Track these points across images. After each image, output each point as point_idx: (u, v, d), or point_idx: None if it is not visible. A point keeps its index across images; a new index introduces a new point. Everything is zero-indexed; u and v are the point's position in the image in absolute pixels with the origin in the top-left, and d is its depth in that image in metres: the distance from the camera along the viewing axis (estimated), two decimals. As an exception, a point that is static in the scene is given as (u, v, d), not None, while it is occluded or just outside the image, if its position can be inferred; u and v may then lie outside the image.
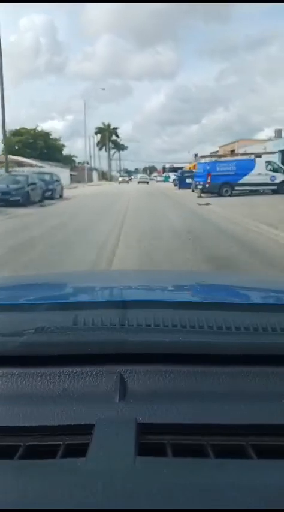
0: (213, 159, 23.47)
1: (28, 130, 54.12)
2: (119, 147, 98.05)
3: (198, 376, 0.64)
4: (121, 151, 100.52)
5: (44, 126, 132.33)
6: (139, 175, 75.68)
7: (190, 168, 44.40)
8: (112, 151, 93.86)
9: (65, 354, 0.66)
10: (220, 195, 19.37)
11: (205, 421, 0.56)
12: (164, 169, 79.57)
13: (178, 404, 0.59)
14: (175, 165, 67.74)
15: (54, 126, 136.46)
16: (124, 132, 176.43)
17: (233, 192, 19.33)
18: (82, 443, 0.53)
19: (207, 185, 19.71)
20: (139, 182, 55.52)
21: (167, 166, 77.31)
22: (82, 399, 0.61)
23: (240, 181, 19.62)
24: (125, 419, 0.56)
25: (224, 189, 19.65)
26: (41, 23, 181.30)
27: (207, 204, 15.32)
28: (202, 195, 19.65)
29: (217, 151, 35.67)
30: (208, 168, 19.42)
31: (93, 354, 0.66)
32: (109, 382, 0.63)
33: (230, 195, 19.14)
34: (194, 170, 37.27)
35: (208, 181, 19.19)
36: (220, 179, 19.51)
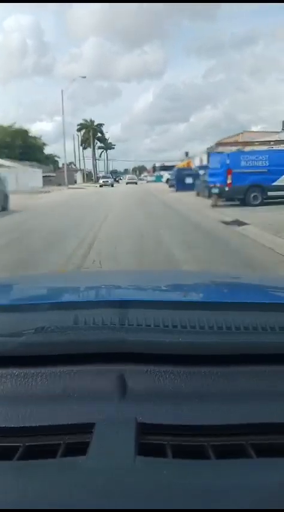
0: (233, 148, 15.51)
1: (4, 127, 45.76)
2: (106, 146, 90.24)
3: (198, 376, 0.69)
4: (110, 151, 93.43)
5: (33, 127, 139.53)
6: (128, 176, 76.96)
7: (184, 165, 40.60)
8: (99, 151, 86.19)
9: (65, 353, 0.72)
10: (245, 203, 13.99)
11: (205, 422, 0.61)
12: (154, 169, 77.50)
13: (178, 405, 0.64)
14: (166, 164, 65.53)
15: (42, 128, 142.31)
16: (113, 133, 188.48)
17: (265, 198, 13.86)
18: (82, 443, 0.57)
19: (226, 188, 14.22)
20: (127, 183, 59.77)
21: (157, 165, 74.34)
22: (82, 398, 0.66)
23: (276, 183, 13.84)
24: (125, 419, 0.61)
25: (253, 195, 14.21)
26: (27, 25, 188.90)
27: (238, 222, 9.70)
28: (219, 202, 14.71)
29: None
30: (228, 162, 12.27)
31: (93, 354, 0.72)
32: (109, 382, 0.68)
33: (259, 204, 13.72)
34: (192, 167, 33.11)
35: (229, 181, 13.37)
36: (247, 179, 13.87)
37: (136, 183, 57.82)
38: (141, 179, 78.50)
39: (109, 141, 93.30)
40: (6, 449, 0.57)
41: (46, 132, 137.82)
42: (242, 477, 0.51)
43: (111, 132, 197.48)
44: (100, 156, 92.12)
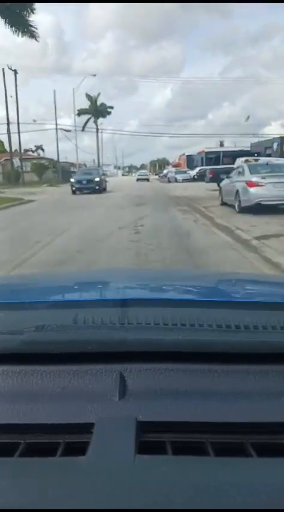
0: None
1: None
2: (94, 109, 47.07)
3: (198, 374, 0.68)
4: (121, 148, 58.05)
5: (51, 125, 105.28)
6: (138, 172, 62.81)
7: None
8: (83, 119, 42.97)
9: (65, 352, 0.71)
10: None
11: (205, 419, 0.61)
12: (190, 159, 50.87)
13: (178, 403, 0.63)
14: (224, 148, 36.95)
15: (60, 124, 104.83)
16: (131, 129, 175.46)
17: None
18: (82, 442, 0.57)
19: None
20: (137, 179, 48.66)
21: (187, 154, 54.75)
22: (82, 397, 0.65)
23: None
24: (125, 418, 0.60)
25: None
26: (46, 23, 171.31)
27: None
28: None
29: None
30: None
31: (93, 352, 0.71)
32: (109, 381, 0.67)
33: None
34: None
35: None
36: None
37: (148, 180, 48.62)
38: (162, 176, 51.83)
39: (99, 100, 51.22)
40: (7, 446, 0.57)
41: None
42: (241, 475, 0.49)
43: (129, 127, 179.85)
44: (87, 123, 50.50)
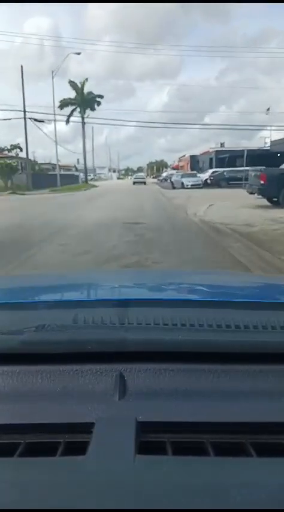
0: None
1: None
2: (81, 99, 38.08)
3: (198, 374, 0.68)
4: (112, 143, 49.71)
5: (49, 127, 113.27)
6: (135, 175, 58.03)
7: None
8: (66, 110, 33.83)
9: (65, 352, 0.71)
10: None
11: (205, 419, 0.61)
12: (193, 160, 46.35)
13: (178, 403, 0.64)
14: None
15: (58, 129, 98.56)
16: (127, 132, 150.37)
17: None
18: (82, 442, 0.57)
19: None
20: (134, 183, 46.19)
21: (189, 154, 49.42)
22: (82, 397, 0.65)
23: None
24: (125, 418, 0.60)
25: None
26: (43, 25, 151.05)
27: None
28: None
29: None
30: None
31: (93, 352, 0.71)
32: (109, 381, 0.67)
33: None
34: None
35: None
36: None
37: (145, 183, 45.31)
38: (162, 179, 44.35)
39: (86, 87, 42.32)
40: (7, 446, 0.57)
41: (63, 132, 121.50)
42: (242, 476, 0.49)
43: (125, 131, 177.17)
44: (67, 122, 42.14)
